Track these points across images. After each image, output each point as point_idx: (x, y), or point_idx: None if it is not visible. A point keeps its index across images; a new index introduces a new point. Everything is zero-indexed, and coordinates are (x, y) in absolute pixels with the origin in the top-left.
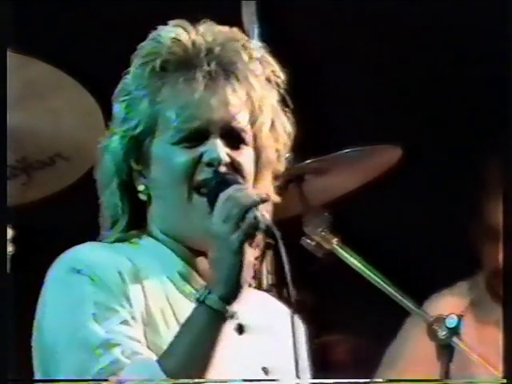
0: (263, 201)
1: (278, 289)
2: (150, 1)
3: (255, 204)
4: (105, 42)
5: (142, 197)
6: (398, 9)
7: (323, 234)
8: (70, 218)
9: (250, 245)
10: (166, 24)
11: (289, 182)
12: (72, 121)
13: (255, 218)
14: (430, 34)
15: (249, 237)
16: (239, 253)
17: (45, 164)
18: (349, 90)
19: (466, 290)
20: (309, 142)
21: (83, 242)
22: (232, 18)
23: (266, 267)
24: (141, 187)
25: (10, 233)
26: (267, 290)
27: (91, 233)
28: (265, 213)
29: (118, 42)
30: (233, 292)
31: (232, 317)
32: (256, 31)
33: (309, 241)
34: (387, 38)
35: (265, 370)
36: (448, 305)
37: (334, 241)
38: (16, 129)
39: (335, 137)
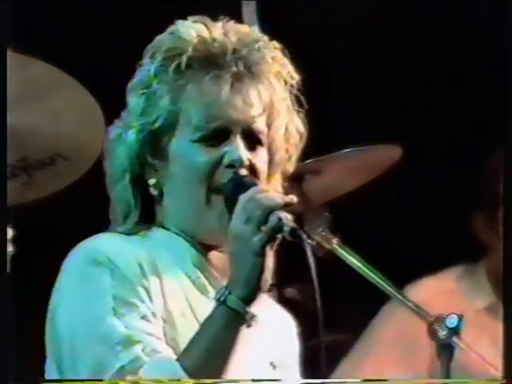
0: (287, 204)
1: (278, 288)
2: (150, 1)
3: (279, 207)
4: (105, 41)
5: (153, 191)
6: (398, 8)
7: (323, 233)
8: (70, 217)
9: (271, 247)
10: (165, 24)
11: (289, 182)
12: (72, 120)
13: (280, 220)
14: (431, 34)
15: (272, 239)
16: (261, 255)
17: (45, 164)
18: (349, 89)
19: (454, 277)
20: (309, 142)
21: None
22: (232, 18)
23: None
24: (152, 181)
25: (10, 233)
26: (268, 290)
27: (92, 232)
28: (288, 215)
29: (118, 42)
30: (253, 294)
31: (252, 318)
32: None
33: (309, 240)
34: (387, 38)
35: (272, 365)
36: (427, 289)
37: (334, 240)
38: (16, 129)
39: (335, 137)
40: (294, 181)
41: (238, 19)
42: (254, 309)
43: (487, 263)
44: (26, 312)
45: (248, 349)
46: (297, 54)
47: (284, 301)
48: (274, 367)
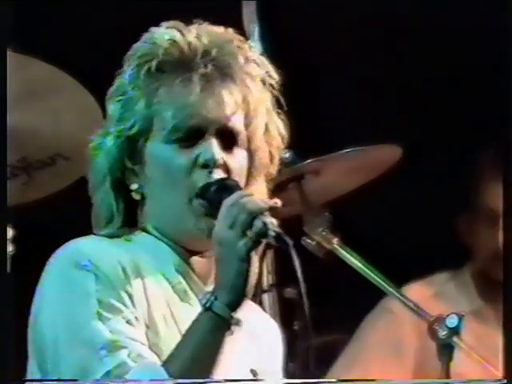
0: (271, 208)
1: (278, 288)
2: (149, 1)
3: (263, 211)
4: (105, 41)
5: (135, 195)
6: (397, 9)
7: (323, 233)
8: (70, 217)
9: (257, 253)
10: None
11: (289, 182)
12: (72, 120)
13: (264, 225)
14: (430, 34)
15: (257, 244)
16: (246, 260)
17: (45, 164)
18: (349, 89)
19: (441, 282)
20: (308, 142)
21: None
22: (232, 18)
23: (267, 267)
24: (134, 186)
25: (10, 233)
26: (267, 290)
27: (91, 233)
28: (273, 220)
29: (118, 42)
30: (238, 299)
31: (237, 324)
32: (256, 31)
33: (309, 240)
34: (387, 38)
35: (253, 372)
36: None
37: (335, 240)
38: (16, 129)
39: (335, 137)
40: (294, 181)
41: (238, 19)
42: (239, 315)
43: (473, 267)
44: (26, 312)
45: (228, 355)
46: (297, 54)
47: (284, 301)
48: (255, 374)
